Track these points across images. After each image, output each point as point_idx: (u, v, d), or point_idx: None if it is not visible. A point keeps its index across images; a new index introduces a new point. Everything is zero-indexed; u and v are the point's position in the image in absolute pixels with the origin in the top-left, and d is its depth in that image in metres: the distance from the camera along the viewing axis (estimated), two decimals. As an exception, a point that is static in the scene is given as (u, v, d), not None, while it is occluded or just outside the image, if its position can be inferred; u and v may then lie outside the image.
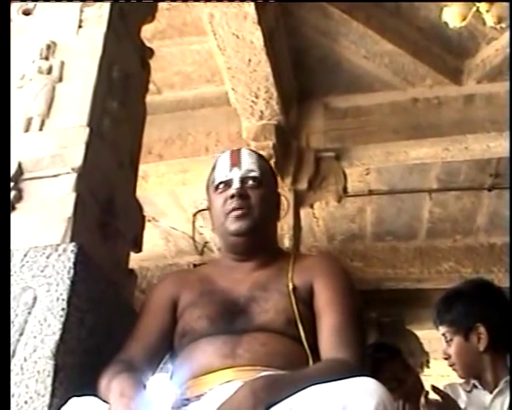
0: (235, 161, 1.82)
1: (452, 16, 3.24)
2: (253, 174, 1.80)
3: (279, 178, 4.28)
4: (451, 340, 2.33)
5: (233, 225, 1.77)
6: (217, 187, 1.83)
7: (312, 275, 1.74)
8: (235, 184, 1.78)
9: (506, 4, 3.21)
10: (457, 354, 2.31)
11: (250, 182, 1.80)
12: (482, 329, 2.27)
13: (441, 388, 2.32)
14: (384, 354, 2.77)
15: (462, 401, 2.33)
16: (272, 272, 1.77)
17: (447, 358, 2.35)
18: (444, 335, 2.36)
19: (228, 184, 1.80)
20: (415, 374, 2.84)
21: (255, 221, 1.77)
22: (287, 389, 1.37)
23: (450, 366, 2.35)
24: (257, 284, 1.74)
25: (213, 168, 1.89)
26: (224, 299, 1.72)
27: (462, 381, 2.40)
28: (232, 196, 1.77)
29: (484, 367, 2.27)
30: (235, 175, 1.80)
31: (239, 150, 1.87)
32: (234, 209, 1.77)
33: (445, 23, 3.31)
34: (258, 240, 1.79)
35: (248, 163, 1.82)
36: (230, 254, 1.85)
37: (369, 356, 2.69)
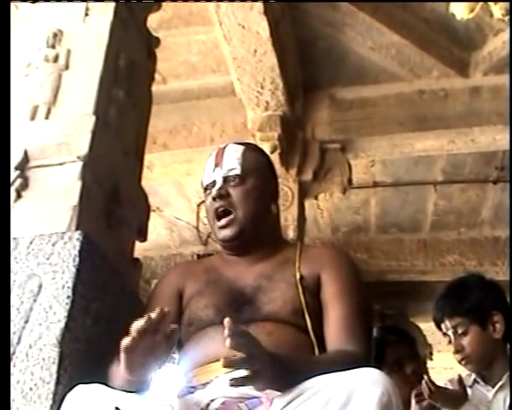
0: (218, 161, 1.81)
1: (460, 9, 3.22)
2: (233, 172, 1.78)
3: (284, 169, 4.29)
4: (465, 332, 2.27)
5: (220, 234, 1.78)
6: (205, 189, 1.84)
7: (320, 266, 1.74)
8: (217, 185, 1.78)
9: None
10: (474, 345, 2.26)
11: (232, 180, 1.78)
12: (498, 317, 2.25)
13: (441, 383, 2.31)
14: (393, 337, 2.78)
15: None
16: (278, 262, 1.77)
17: (459, 350, 2.28)
18: (455, 327, 2.29)
19: (213, 185, 1.80)
20: (421, 362, 2.83)
21: (241, 225, 1.76)
22: (297, 374, 1.38)
23: (462, 359, 2.27)
24: (263, 273, 1.74)
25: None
26: (230, 288, 1.72)
27: (465, 374, 2.37)
28: (214, 199, 1.78)
29: (496, 357, 2.25)
30: (218, 176, 1.79)
31: (224, 148, 1.85)
32: (216, 210, 1.77)
33: (453, 15, 3.29)
34: (250, 238, 1.78)
35: (230, 161, 1.80)
36: (228, 252, 1.85)
37: (377, 337, 2.72)
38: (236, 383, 1.32)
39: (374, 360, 2.62)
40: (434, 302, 2.42)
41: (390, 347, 2.69)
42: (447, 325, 2.32)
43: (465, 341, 2.27)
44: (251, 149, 1.89)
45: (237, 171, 1.78)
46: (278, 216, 1.92)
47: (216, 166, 1.81)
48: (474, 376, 2.31)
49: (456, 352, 2.28)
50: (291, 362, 1.43)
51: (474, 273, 2.55)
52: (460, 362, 2.30)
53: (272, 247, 1.83)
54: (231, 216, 1.76)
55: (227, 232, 1.77)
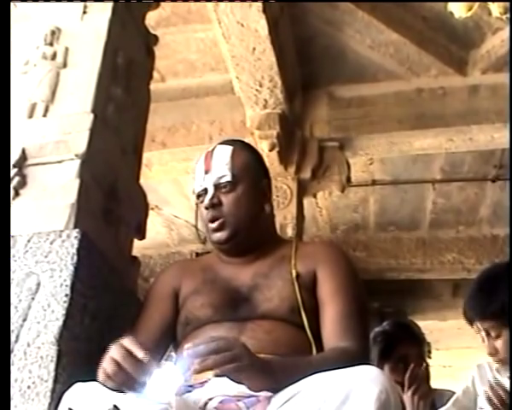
0: (208, 167, 1.79)
1: (458, 7, 3.21)
2: (224, 179, 1.76)
3: (282, 168, 4.30)
4: (498, 335, 2.11)
5: (213, 237, 1.78)
6: (198, 196, 1.82)
7: (316, 262, 1.73)
8: (209, 195, 1.76)
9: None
10: (508, 348, 2.09)
11: (223, 187, 1.77)
12: None
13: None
14: (400, 333, 2.77)
15: (486, 381, 2.16)
16: (274, 260, 1.77)
17: (493, 354, 2.13)
18: (487, 330, 2.14)
19: (205, 192, 1.78)
20: (425, 364, 2.82)
21: (233, 228, 1.75)
22: (290, 376, 1.37)
23: (497, 362, 2.14)
24: (259, 272, 1.74)
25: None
26: (227, 287, 1.72)
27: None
28: (206, 208, 1.77)
29: None
30: (208, 183, 1.77)
31: (212, 152, 1.82)
32: (209, 221, 1.77)
33: (451, 13, 3.29)
34: (244, 240, 1.77)
35: (219, 167, 1.78)
36: (223, 254, 1.84)
37: (389, 331, 2.71)
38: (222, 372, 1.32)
39: (380, 352, 2.63)
40: (465, 299, 2.26)
41: (400, 343, 2.68)
42: (479, 326, 2.18)
43: (498, 344, 2.13)
44: (240, 149, 1.85)
45: (228, 177, 1.76)
46: (272, 214, 1.90)
47: (206, 172, 1.79)
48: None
49: (490, 354, 2.15)
50: (284, 364, 1.43)
51: (501, 265, 2.40)
52: (499, 362, 2.16)
53: (268, 245, 1.82)
54: (223, 220, 1.75)
55: (220, 235, 1.76)
